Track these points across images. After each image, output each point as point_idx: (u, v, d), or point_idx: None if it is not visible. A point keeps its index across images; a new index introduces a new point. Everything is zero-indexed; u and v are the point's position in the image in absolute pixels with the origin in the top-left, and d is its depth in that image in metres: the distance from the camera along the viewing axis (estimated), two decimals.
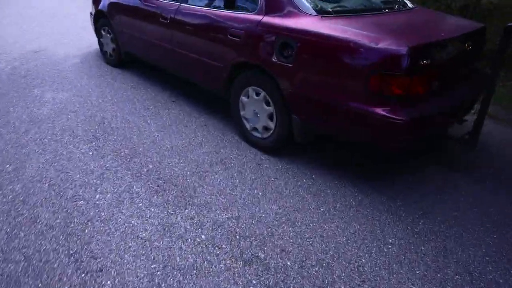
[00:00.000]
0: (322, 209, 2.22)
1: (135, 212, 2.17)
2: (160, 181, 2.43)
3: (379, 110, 2.00)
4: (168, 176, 2.48)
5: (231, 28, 2.60)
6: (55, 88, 3.88)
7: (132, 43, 3.90)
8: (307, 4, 2.31)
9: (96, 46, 4.92)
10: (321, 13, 2.27)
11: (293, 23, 2.24)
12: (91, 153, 2.74)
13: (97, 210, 2.17)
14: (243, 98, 2.75)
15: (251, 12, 2.52)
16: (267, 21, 2.38)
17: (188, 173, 2.53)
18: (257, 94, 2.63)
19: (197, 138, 2.95)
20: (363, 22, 2.24)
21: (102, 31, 4.42)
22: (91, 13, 4.55)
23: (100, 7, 4.25)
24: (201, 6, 2.94)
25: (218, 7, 2.81)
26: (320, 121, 2.31)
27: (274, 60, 2.33)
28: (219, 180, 2.47)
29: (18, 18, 7.08)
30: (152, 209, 2.19)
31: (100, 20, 4.39)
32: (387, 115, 1.98)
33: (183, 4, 3.11)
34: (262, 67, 2.45)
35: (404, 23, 2.40)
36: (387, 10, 2.53)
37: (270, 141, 2.66)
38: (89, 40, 5.48)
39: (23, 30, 6.23)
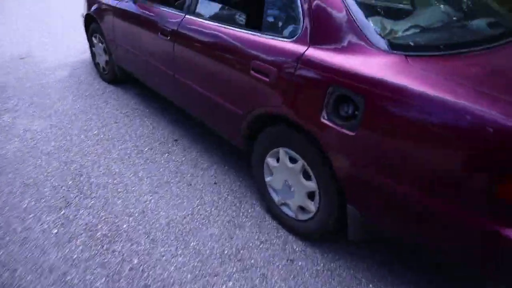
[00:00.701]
0: None
1: None
2: None
3: None
4: (159, 283, 1.67)
5: (256, 60, 1.74)
6: (31, 113, 3.10)
7: (126, 59, 3.07)
8: (382, 35, 1.42)
9: (89, 53, 4.11)
10: (405, 50, 1.38)
11: (359, 65, 1.37)
12: (55, 231, 1.95)
13: None
14: (270, 161, 1.90)
15: (288, 38, 1.64)
16: (314, 56, 1.51)
17: (189, 276, 1.72)
18: (292, 160, 1.77)
19: (203, 208, 2.12)
20: (478, 67, 1.35)
21: (94, 39, 3.59)
22: (82, 15, 3.72)
23: (90, 10, 3.41)
24: (213, 21, 2.07)
25: (238, 25, 1.94)
26: (394, 223, 1.45)
27: (323, 120, 1.47)
28: None
29: (8, 16, 6.33)
30: None
31: (91, 25, 3.55)
32: None
33: (188, 16, 2.24)
34: (303, 127, 1.58)
35: None
36: (502, 41, 1.58)
37: (308, 227, 1.83)
38: (83, 45, 4.67)
39: (11, 30, 5.47)
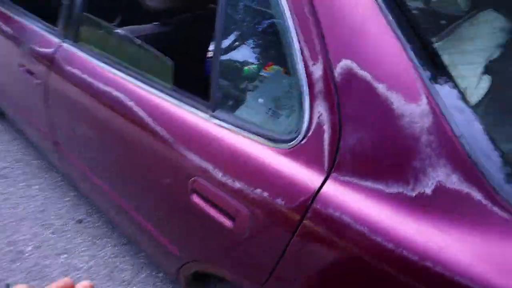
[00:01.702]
0: None
1: None
2: None
3: None
4: None
5: (200, 177, 0.82)
6: None
7: None
8: None
9: None
10: None
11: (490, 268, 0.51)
12: None
13: None
14: None
15: (274, 141, 0.73)
16: (344, 205, 0.64)
17: None
18: None
19: None
20: None
21: None
22: None
23: None
24: (112, 62, 1.07)
25: (161, 84, 0.96)
26: None
27: None
28: None
29: None
30: None
31: None
32: None
33: (68, 45, 1.21)
34: None
35: None
36: None
37: None
38: None
39: None
